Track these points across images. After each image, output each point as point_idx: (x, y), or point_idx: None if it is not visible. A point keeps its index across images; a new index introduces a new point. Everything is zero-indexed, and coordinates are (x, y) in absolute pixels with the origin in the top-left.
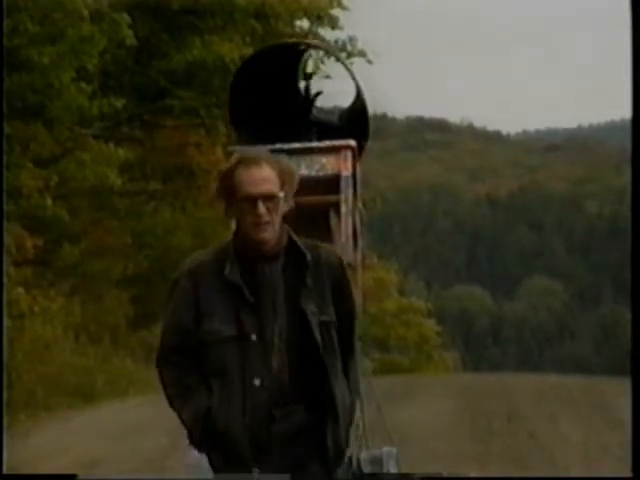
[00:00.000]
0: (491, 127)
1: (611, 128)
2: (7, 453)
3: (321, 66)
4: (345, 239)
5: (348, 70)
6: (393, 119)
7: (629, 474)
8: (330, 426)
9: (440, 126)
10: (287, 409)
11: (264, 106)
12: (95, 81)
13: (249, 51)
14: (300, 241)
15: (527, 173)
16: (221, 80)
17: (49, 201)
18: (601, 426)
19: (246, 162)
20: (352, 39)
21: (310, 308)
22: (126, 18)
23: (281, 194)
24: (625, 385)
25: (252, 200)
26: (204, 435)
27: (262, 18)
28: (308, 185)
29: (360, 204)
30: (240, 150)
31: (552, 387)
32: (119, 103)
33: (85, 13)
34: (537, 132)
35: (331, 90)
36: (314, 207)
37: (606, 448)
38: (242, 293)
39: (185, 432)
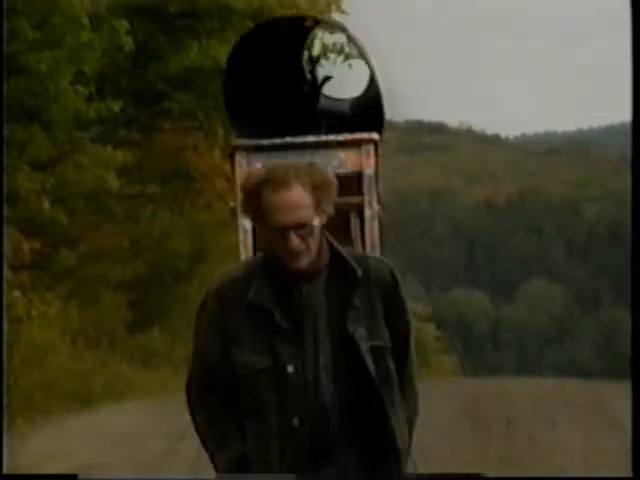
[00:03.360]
0: (490, 130)
1: (611, 132)
2: (4, 457)
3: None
4: (370, 246)
5: (361, 52)
6: (391, 122)
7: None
8: (394, 470)
9: (439, 129)
10: (335, 452)
11: (264, 94)
12: (92, 84)
13: None
14: (346, 251)
15: (526, 177)
16: (219, 83)
17: (46, 205)
18: (601, 430)
19: (274, 183)
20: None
21: (359, 332)
22: (125, 24)
23: (316, 221)
24: (625, 388)
25: (283, 230)
26: None
27: (260, 21)
28: None
29: (379, 207)
30: (266, 164)
31: (551, 391)
32: (116, 106)
33: (84, 19)
34: (536, 135)
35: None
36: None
37: (606, 452)
38: (273, 318)
39: (183, 436)
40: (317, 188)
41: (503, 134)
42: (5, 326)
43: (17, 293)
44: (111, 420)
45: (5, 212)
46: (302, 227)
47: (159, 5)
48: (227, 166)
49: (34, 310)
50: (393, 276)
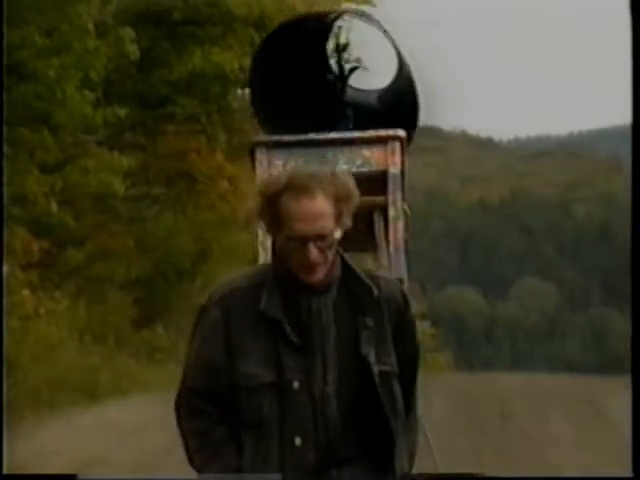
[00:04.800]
0: (483, 134)
1: (600, 135)
2: (13, 451)
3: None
4: (394, 248)
5: (389, 39)
6: None
7: (624, 471)
8: None
9: (434, 133)
10: (336, 474)
11: (290, 88)
12: (99, 89)
13: (248, 60)
14: (358, 270)
15: (518, 179)
16: (221, 88)
17: (54, 206)
18: (591, 423)
19: (296, 189)
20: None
21: (372, 355)
22: (130, 33)
23: (337, 233)
24: (613, 383)
25: (301, 240)
26: None
27: (260, 28)
28: None
29: (406, 207)
30: (291, 168)
31: (543, 386)
32: (122, 113)
33: (90, 27)
34: (528, 139)
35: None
36: (355, 210)
37: (596, 445)
38: (283, 330)
39: None
40: (340, 199)
41: (496, 137)
42: (15, 323)
43: (26, 291)
44: (117, 414)
45: (15, 213)
46: (322, 238)
47: (163, 13)
48: (229, 167)
49: (42, 307)
50: (404, 298)
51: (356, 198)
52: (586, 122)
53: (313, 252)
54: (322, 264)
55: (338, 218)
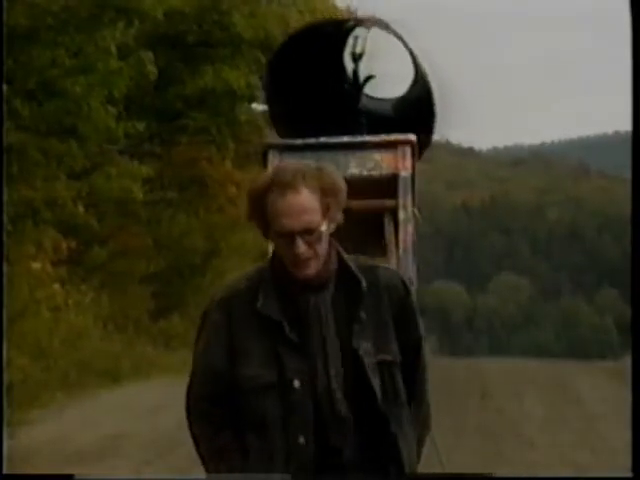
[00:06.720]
0: (465, 144)
1: (570, 145)
2: (46, 427)
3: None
4: (403, 250)
5: (407, 49)
6: None
7: (626, 471)
8: None
9: None
10: (342, 471)
11: (305, 94)
12: (120, 105)
13: (254, 78)
14: (353, 261)
15: (497, 184)
16: (229, 103)
17: (81, 209)
18: (560, 402)
19: (281, 185)
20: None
21: (364, 347)
22: (150, 56)
23: (323, 226)
24: (581, 367)
25: (289, 235)
26: None
27: (265, 49)
28: (358, 186)
29: (416, 210)
30: (276, 167)
31: (518, 369)
32: (141, 125)
33: (113, 49)
34: (506, 148)
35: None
36: (365, 212)
37: (564, 421)
38: (282, 330)
39: None
40: (326, 192)
41: (477, 147)
42: (46, 313)
43: (56, 285)
44: (137, 394)
45: (45, 215)
46: (309, 232)
47: (179, 36)
48: (237, 174)
49: (71, 299)
50: (405, 286)
51: (343, 191)
52: (556, 133)
53: (301, 247)
54: (312, 258)
55: (325, 212)
